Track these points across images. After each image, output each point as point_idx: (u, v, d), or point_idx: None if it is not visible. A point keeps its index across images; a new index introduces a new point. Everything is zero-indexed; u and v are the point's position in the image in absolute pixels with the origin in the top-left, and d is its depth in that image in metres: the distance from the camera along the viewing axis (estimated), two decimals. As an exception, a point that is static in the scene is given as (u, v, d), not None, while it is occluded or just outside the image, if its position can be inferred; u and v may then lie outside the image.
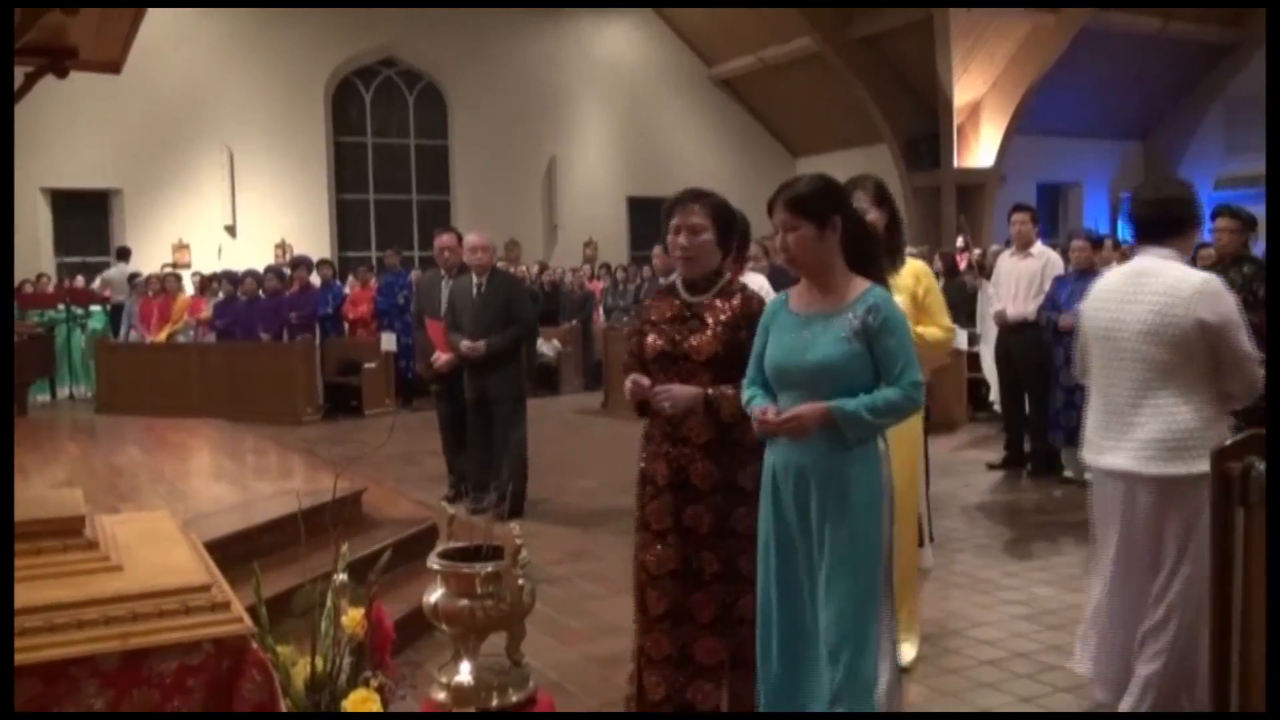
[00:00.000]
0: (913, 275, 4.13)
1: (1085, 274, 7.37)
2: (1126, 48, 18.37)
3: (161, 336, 13.33)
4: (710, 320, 3.17)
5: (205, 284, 14.22)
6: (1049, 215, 21.17)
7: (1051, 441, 7.59)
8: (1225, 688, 2.46)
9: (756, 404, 2.90)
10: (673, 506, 3.14)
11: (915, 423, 4.12)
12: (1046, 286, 7.56)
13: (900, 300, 4.00)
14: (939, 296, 4.21)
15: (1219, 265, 6.49)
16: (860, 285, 2.88)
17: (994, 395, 9.81)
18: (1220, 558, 2.46)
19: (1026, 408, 7.93)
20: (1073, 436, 7.31)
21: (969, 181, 18.55)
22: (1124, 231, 18.66)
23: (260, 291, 12.74)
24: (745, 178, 20.37)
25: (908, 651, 4.09)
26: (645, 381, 3.17)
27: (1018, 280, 7.74)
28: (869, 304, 2.81)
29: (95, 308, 14.85)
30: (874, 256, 3.00)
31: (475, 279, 6.81)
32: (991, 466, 8.08)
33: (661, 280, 3.24)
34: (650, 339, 3.25)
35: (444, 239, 7.19)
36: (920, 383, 2.78)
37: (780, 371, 2.89)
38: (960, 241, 15.66)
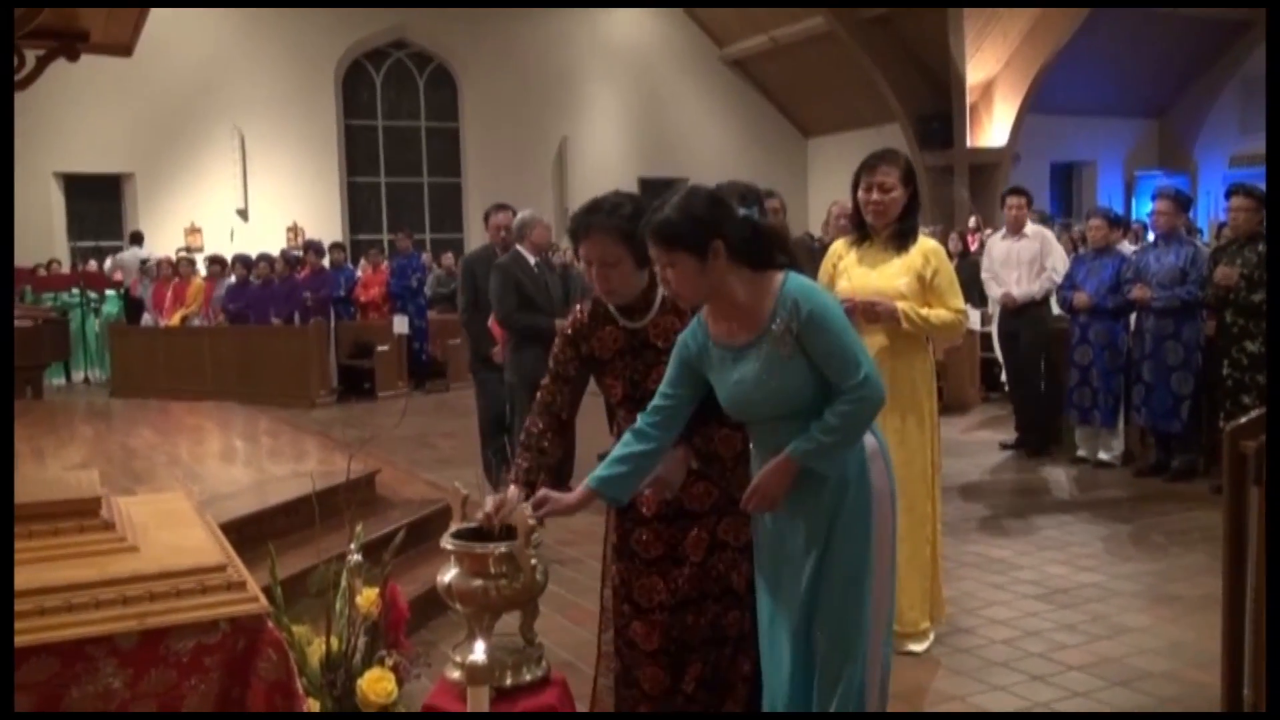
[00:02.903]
0: (922, 255, 3.96)
1: (1101, 252, 7.35)
2: (1140, 25, 18.21)
3: (175, 320, 13.37)
4: (665, 345, 2.80)
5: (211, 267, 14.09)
6: (1063, 194, 21.06)
7: (1067, 419, 7.57)
8: (1238, 669, 2.46)
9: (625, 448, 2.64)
10: (662, 534, 2.88)
11: (927, 405, 4.07)
12: (1048, 264, 7.55)
13: (905, 281, 3.93)
14: (950, 277, 4.02)
15: (1234, 244, 6.46)
16: (771, 288, 2.53)
17: (1006, 375, 9.80)
18: (1233, 538, 2.45)
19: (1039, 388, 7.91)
20: (1087, 415, 7.31)
21: (982, 161, 18.45)
22: (1138, 210, 18.56)
23: (272, 275, 12.77)
24: (756, 158, 20.33)
25: (923, 641, 4.09)
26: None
27: (1019, 262, 7.70)
28: (786, 307, 2.49)
29: (110, 292, 14.93)
30: (777, 253, 2.59)
31: None
32: (1004, 446, 8.07)
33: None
34: (609, 382, 2.90)
35: None
36: (867, 377, 2.46)
37: (740, 413, 2.65)
38: (973, 222, 15.61)
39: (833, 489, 2.57)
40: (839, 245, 4.22)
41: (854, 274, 4.04)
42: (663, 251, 2.52)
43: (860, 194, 4.00)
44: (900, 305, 3.89)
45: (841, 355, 2.48)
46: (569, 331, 2.93)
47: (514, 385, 6.65)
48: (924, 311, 3.92)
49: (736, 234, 2.52)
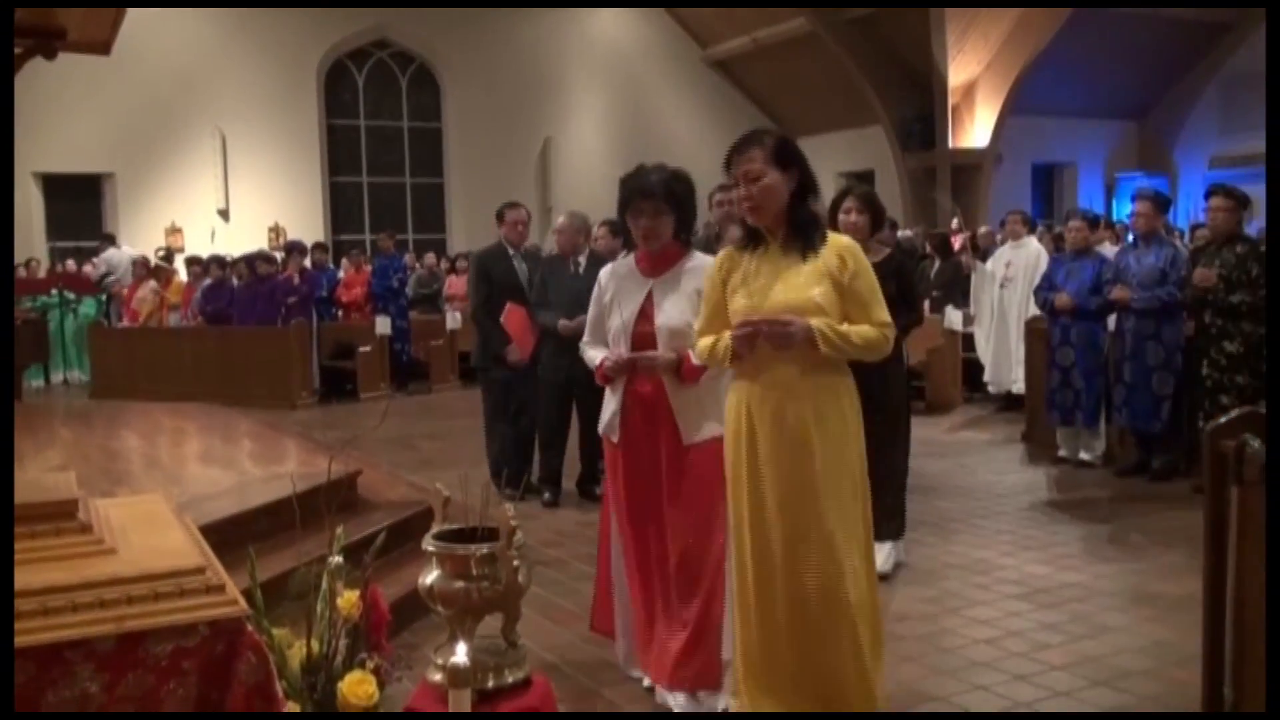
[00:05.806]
0: (837, 255, 3.19)
1: (1081, 254, 7.39)
2: (1121, 27, 18.34)
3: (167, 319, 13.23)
4: None
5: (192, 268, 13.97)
6: (1044, 196, 21.19)
7: (1047, 421, 7.60)
8: (1218, 668, 2.47)
9: None
10: None
11: (856, 446, 3.21)
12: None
13: (820, 290, 3.13)
14: (871, 282, 3.19)
15: (1213, 245, 6.50)
16: None
17: (988, 375, 9.84)
18: (1214, 537, 2.46)
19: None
20: (1069, 416, 7.34)
21: (964, 162, 18.54)
22: (1118, 211, 18.67)
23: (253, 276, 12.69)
24: (740, 159, 20.33)
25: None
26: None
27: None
28: None
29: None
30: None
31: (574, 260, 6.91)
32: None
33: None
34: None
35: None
36: None
37: None
38: (955, 223, 15.68)
39: None
40: (725, 255, 3.35)
41: (754, 288, 3.19)
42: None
43: (734, 194, 3.41)
44: (814, 323, 3.05)
45: None
46: None
47: (548, 383, 6.70)
48: (844, 328, 3.10)
49: None
